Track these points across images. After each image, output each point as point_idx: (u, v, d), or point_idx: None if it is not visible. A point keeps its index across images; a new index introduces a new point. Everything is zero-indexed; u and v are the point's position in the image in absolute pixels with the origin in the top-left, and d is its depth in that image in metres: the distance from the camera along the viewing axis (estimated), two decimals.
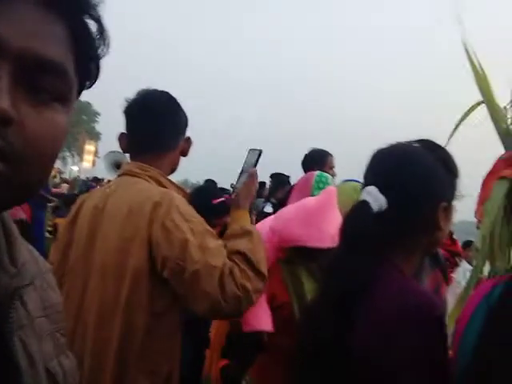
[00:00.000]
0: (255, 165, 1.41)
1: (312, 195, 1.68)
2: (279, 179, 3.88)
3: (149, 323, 1.19)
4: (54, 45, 0.42)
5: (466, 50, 2.01)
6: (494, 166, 1.90)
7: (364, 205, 0.87)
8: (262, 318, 1.41)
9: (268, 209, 3.41)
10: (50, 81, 0.42)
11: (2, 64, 0.39)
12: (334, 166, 2.61)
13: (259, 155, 1.41)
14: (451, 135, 2.14)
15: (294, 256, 1.48)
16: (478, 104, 2.07)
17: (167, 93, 1.42)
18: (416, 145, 0.93)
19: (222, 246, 1.21)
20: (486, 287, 0.79)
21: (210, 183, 4.59)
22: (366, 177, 0.95)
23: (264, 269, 1.20)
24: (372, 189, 0.88)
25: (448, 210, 0.91)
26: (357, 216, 0.89)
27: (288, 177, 3.89)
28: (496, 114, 1.98)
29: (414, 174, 0.89)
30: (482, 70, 2.00)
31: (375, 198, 0.87)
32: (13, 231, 0.49)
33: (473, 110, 2.12)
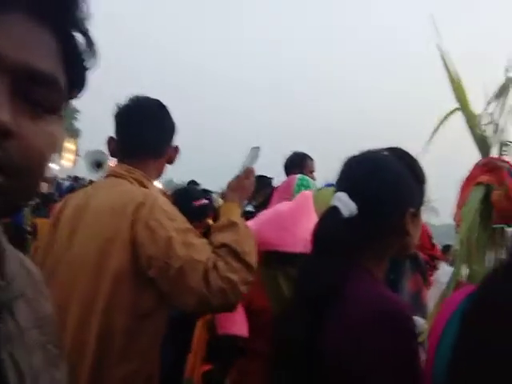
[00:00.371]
0: (253, 161, 1.44)
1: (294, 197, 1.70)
2: (262, 181, 3.89)
3: (130, 325, 1.18)
4: (47, 57, 0.43)
5: (443, 58, 2.07)
6: (471, 172, 1.95)
7: (334, 210, 0.90)
8: (236, 323, 1.42)
9: (249, 208, 3.42)
10: (45, 93, 0.43)
11: (1, 77, 0.39)
12: (313, 170, 2.64)
13: (258, 153, 1.44)
14: (429, 140, 2.19)
15: (270, 260, 1.50)
16: (454, 110, 2.13)
17: (158, 100, 1.44)
18: (386, 153, 0.96)
19: (206, 243, 1.22)
20: (459, 297, 0.81)
21: (193, 185, 4.57)
22: (338, 183, 0.98)
23: (251, 260, 1.20)
24: (342, 195, 0.91)
25: (416, 216, 0.94)
26: (327, 221, 0.92)
27: (271, 179, 3.90)
28: (471, 121, 2.04)
29: (382, 181, 0.91)
30: (457, 77, 2.06)
31: (345, 204, 0.89)
32: (1, 242, 0.48)
33: (449, 116, 2.18)
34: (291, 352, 0.87)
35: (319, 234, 0.93)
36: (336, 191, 0.95)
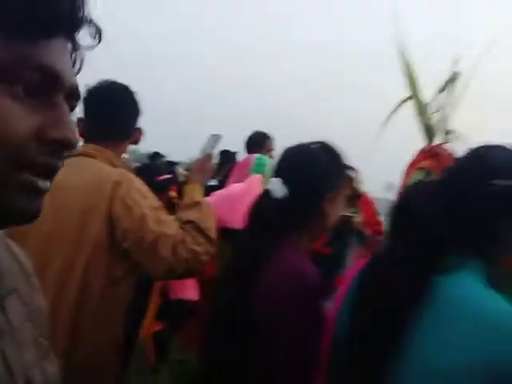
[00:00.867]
0: (213, 148, 1.57)
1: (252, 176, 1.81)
2: (226, 156, 3.96)
3: (105, 289, 1.30)
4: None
5: (399, 49, 2.17)
6: (416, 157, 2.10)
7: (268, 192, 1.04)
8: (187, 288, 1.58)
9: (213, 182, 3.49)
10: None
11: (62, 97, 0.42)
12: (272, 149, 2.71)
13: (218, 140, 1.58)
14: (383, 127, 2.31)
15: (220, 235, 1.62)
16: (407, 99, 2.26)
17: (124, 84, 1.51)
18: (314, 146, 1.09)
19: (174, 219, 1.37)
20: (359, 266, 0.93)
21: (157, 156, 4.59)
22: (274, 169, 1.11)
23: (213, 234, 1.36)
24: (276, 180, 1.04)
25: (334, 200, 1.07)
26: (261, 201, 1.05)
27: (234, 153, 3.97)
28: (420, 110, 2.18)
29: (307, 170, 1.04)
30: (411, 67, 2.18)
31: (277, 188, 1.02)
32: None
33: (402, 105, 2.31)
34: (224, 313, 0.99)
35: (253, 211, 1.06)
36: (272, 177, 1.07)
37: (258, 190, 1.39)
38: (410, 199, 0.85)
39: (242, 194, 1.57)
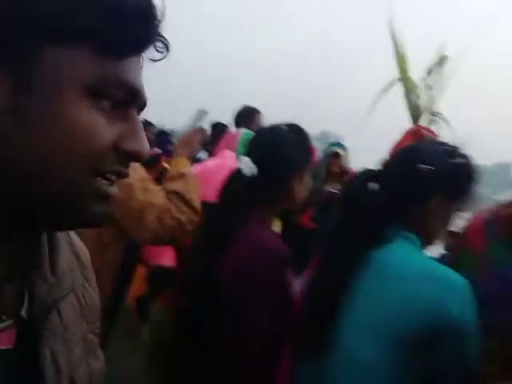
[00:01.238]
0: (200, 122, 1.66)
1: (238, 151, 1.85)
2: (218, 128, 3.96)
3: (94, 252, 1.35)
4: None
5: (391, 30, 2.19)
6: (402, 138, 2.14)
7: (239, 171, 1.09)
8: (164, 255, 1.67)
9: (201, 155, 3.52)
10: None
11: (136, 111, 0.44)
12: (261, 124, 2.72)
13: (205, 115, 1.67)
14: (371, 108, 2.35)
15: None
16: (396, 81, 2.29)
17: None
18: (283, 127, 1.13)
19: (160, 189, 1.43)
20: None
21: (146, 124, 4.57)
22: (246, 150, 1.17)
23: (197, 204, 1.42)
24: (246, 159, 1.09)
25: (301, 179, 1.12)
26: (232, 179, 1.11)
27: (226, 126, 3.98)
28: (409, 91, 2.21)
29: (276, 150, 1.09)
30: (401, 48, 2.20)
31: (247, 167, 1.07)
32: (55, 235, 0.49)
33: (391, 86, 2.33)
34: (195, 284, 1.05)
35: (225, 188, 1.11)
36: (244, 156, 1.13)
37: (231, 166, 1.44)
38: (354, 187, 0.95)
39: (217, 170, 1.62)
